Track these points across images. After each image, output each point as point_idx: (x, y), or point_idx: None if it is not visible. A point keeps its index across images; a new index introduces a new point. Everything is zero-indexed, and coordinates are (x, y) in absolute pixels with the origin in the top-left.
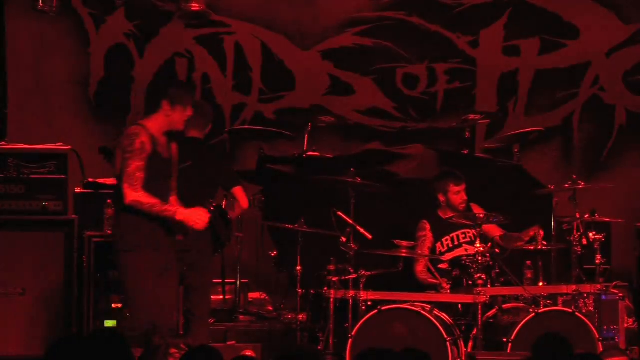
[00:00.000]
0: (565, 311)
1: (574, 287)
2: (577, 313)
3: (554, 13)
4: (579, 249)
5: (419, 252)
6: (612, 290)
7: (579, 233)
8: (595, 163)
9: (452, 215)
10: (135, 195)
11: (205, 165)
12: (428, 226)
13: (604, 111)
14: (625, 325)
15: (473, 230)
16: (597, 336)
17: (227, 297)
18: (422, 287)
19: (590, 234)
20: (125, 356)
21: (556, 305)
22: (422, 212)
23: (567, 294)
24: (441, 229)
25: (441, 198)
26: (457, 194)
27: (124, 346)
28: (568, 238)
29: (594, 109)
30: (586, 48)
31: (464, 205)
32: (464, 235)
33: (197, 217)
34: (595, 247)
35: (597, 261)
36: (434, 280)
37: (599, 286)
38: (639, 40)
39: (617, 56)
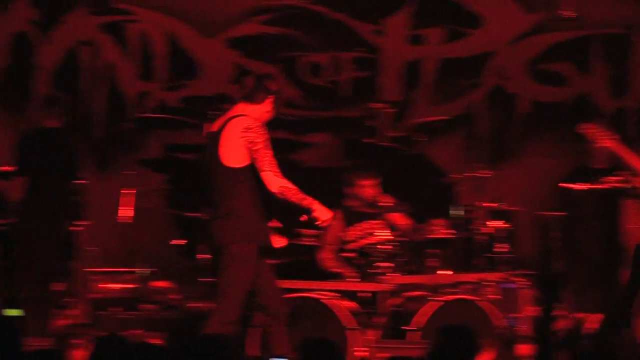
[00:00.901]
0: (469, 299)
1: (477, 275)
2: (480, 302)
3: (458, 2)
4: (482, 237)
5: (326, 239)
6: (515, 278)
7: (482, 222)
8: (499, 152)
9: (359, 204)
10: (282, 181)
11: None
12: (336, 215)
13: (507, 100)
14: (528, 313)
15: (380, 220)
16: (499, 324)
17: (132, 285)
18: (327, 275)
19: (494, 223)
20: None
21: (460, 293)
22: (329, 201)
23: (471, 283)
24: (349, 218)
25: (352, 190)
26: (368, 187)
27: None
28: (472, 226)
29: (498, 98)
30: (490, 37)
31: (375, 199)
32: (369, 225)
33: (327, 214)
34: (499, 235)
35: (501, 249)
36: (339, 269)
37: (501, 275)
38: (542, 29)
39: (520, 45)
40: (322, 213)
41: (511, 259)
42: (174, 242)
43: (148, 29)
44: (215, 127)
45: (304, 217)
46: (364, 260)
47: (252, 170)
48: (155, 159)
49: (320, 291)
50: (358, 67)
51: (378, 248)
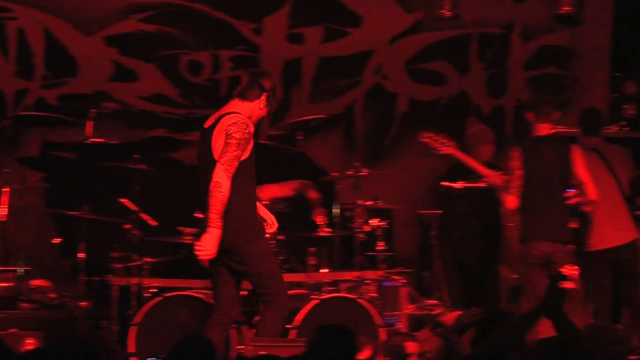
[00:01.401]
0: (348, 297)
1: (356, 273)
2: (359, 299)
3: (337, 1)
4: (361, 235)
5: None
6: (393, 276)
7: (361, 220)
8: (378, 150)
9: None
10: (224, 182)
11: None
12: None
13: (386, 99)
14: (407, 311)
15: None
16: (379, 322)
17: (9, 284)
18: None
19: (373, 221)
20: None
21: (339, 291)
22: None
23: (350, 281)
24: None
25: None
26: (266, 188)
27: None
28: (351, 225)
29: (376, 96)
30: (369, 36)
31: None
32: None
33: (210, 246)
34: (378, 233)
35: (379, 248)
36: None
37: (381, 273)
38: (421, 28)
39: (400, 44)
40: (207, 241)
41: (390, 257)
42: (53, 240)
43: (25, 26)
44: (208, 123)
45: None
46: None
47: (244, 165)
48: (33, 157)
49: (202, 290)
50: (238, 65)
51: None
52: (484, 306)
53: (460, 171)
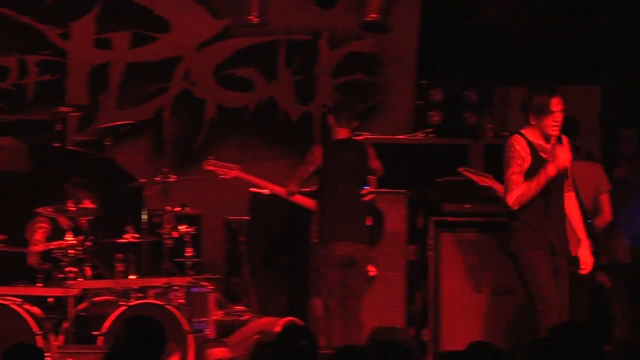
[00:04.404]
0: (157, 304)
1: (165, 280)
2: (167, 306)
3: (145, 7)
4: (169, 242)
5: (32, 246)
6: (202, 283)
7: (170, 226)
8: (186, 156)
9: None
10: None
11: None
12: (43, 218)
13: (194, 105)
14: (215, 317)
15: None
16: (188, 328)
17: None
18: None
19: (181, 227)
20: None
21: (147, 298)
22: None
23: (158, 287)
24: (55, 228)
25: (70, 202)
26: (87, 201)
27: None
28: (159, 231)
29: (185, 102)
30: (177, 42)
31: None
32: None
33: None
34: (186, 240)
35: (187, 254)
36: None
37: (189, 279)
38: (229, 34)
39: (208, 50)
40: None
41: (198, 264)
42: None
43: None
44: None
45: None
46: (51, 265)
47: None
48: None
49: (9, 297)
50: (44, 70)
51: (64, 252)
52: (293, 314)
53: None
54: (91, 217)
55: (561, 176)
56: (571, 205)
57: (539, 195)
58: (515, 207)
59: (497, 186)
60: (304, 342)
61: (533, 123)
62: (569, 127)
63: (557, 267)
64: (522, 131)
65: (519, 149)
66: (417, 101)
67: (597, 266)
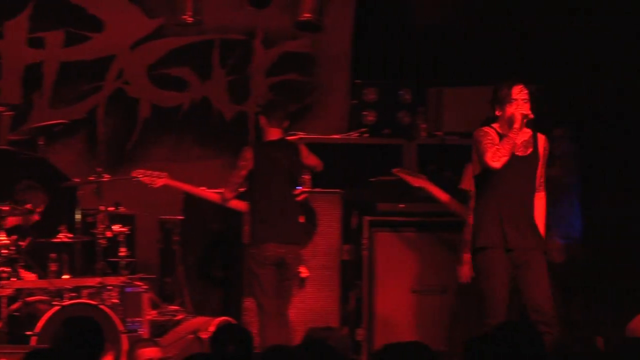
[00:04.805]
0: (90, 304)
1: (98, 279)
2: (101, 305)
3: (78, 6)
4: (103, 241)
5: None
6: (136, 282)
7: (103, 226)
8: (121, 156)
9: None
10: None
11: None
12: None
13: (128, 104)
14: (149, 317)
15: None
16: (122, 328)
17: None
18: None
19: (115, 227)
20: None
21: (81, 297)
22: None
23: (92, 287)
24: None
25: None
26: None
27: None
28: (93, 231)
29: (118, 102)
30: (111, 41)
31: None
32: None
33: None
34: (120, 239)
35: (121, 254)
36: None
37: (123, 279)
38: (163, 34)
39: (142, 50)
40: None
41: (132, 263)
42: None
43: None
44: None
45: None
46: None
47: None
48: None
49: None
50: None
51: None
52: (227, 314)
53: None
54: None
55: (524, 173)
56: (540, 205)
57: (496, 194)
58: (497, 165)
59: (431, 187)
60: (232, 348)
61: (499, 114)
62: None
63: (526, 263)
64: (492, 125)
65: (489, 132)
66: (351, 101)
67: None
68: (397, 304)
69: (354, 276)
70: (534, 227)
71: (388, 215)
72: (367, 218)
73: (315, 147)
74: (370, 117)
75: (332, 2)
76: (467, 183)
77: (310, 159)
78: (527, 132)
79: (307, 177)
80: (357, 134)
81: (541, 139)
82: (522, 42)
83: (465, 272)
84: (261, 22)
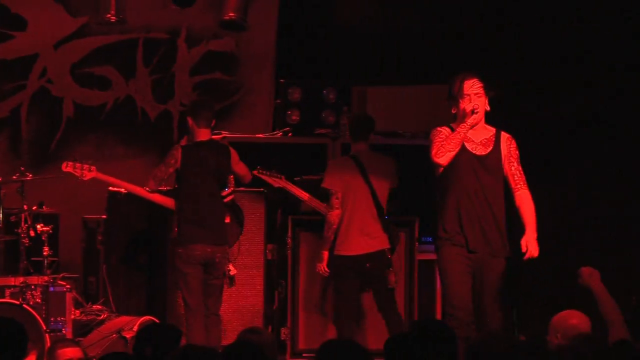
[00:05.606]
0: (13, 303)
1: (21, 279)
2: (24, 305)
3: (1, 4)
4: (26, 241)
5: None
6: (59, 282)
7: (26, 225)
8: (44, 155)
9: None
10: None
11: None
12: None
13: (52, 103)
14: (73, 316)
15: None
16: (45, 328)
17: None
18: None
19: (38, 226)
20: None
21: (4, 297)
22: None
23: (14, 286)
24: None
25: None
26: None
27: None
28: (16, 230)
29: (42, 101)
30: (34, 40)
31: None
32: None
33: None
34: (43, 239)
35: (44, 253)
36: None
37: (46, 278)
38: (86, 33)
39: (65, 48)
40: None
41: (55, 262)
42: None
43: None
44: None
45: None
46: None
47: None
48: None
49: None
50: None
51: None
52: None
53: None
54: None
55: (486, 172)
56: (525, 202)
57: (455, 194)
58: (442, 161)
59: (290, 187)
60: (150, 350)
61: (454, 112)
62: (358, 126)
63: (480, 269)
64: (450, 123)
65: (442, 130)
66: (275, 100)
67: None
68: (320, 303)
69: (279, 275)
70: (500, 230)
71: (312, 215)
72: (291, 217)
73: (239, 146)
74: (294, 116)
75: (256, 2)
76: (328, 182)
77: (240, 167)
78: (489, 131)
79: (232, 176)
80: (281, 133)
81: (504, 137)
82: (442, 43)
83: (324, 268)
84: (185, 21)
